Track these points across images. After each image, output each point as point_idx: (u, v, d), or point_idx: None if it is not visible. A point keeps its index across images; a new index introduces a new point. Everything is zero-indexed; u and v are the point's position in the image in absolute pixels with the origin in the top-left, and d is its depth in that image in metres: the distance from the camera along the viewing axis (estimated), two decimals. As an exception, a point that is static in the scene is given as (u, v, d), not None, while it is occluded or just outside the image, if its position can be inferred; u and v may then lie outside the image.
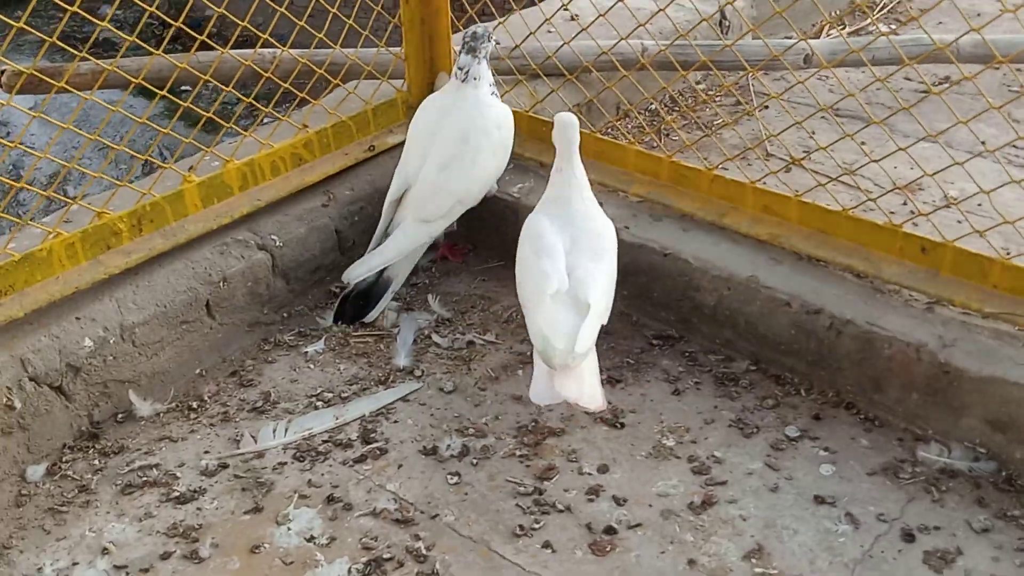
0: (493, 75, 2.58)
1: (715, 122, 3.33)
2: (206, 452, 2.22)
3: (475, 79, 2.52)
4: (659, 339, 2.51)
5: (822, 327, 2.27)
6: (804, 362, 2.32)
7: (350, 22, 2.73)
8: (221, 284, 2.46)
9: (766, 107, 3.31)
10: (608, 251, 2.24)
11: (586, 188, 2.28)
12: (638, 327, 2.56)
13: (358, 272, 2.52)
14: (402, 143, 2.71)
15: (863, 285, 2.32)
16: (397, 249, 2.52)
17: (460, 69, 2.52)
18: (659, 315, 2.54)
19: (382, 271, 2.55)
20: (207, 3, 2.42)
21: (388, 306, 2.60)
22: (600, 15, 2.67)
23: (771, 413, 2.26)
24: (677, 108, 3.46)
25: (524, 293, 2.23)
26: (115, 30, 2.37)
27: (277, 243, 2.57)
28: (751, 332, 2.38)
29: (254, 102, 2.63)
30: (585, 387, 2.09)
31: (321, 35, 2.70)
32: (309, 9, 2.60)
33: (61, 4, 2.18)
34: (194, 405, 2.34)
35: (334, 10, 2.65)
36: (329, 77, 2.85)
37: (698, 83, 3.61)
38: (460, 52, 2.53)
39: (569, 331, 2.08)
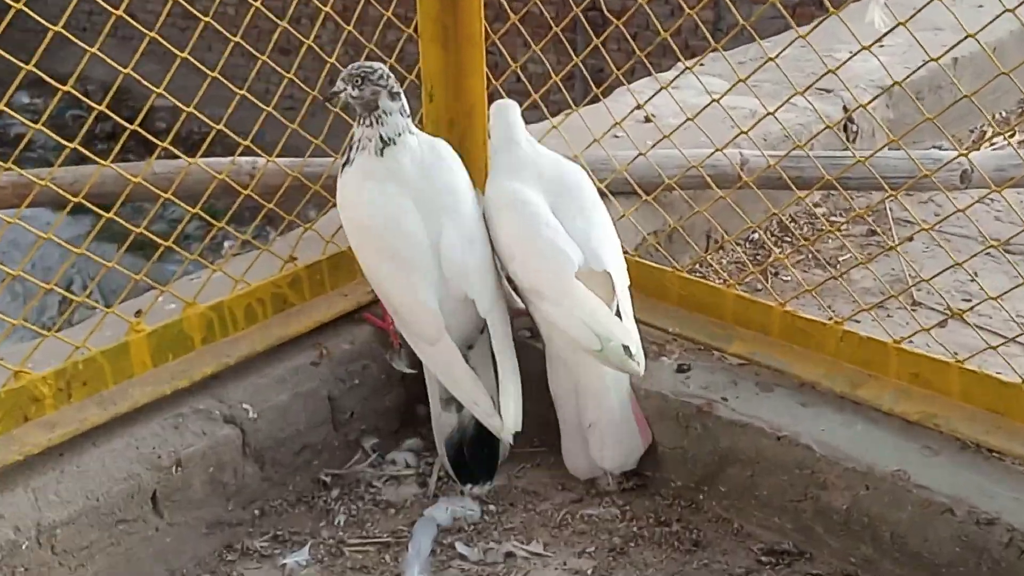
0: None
1: (841, 259, 3.35)
2: None
3: (410, 126, 2.59)
4: (771, 555, 2.47)
5: (997, 543, 2.22)
6: (974, 591, 2.26)
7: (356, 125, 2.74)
8: (173, 470, 2.47)
9: (910, 239, 3.32)
10: (597, 201, 2.55)
11: (536, 143, 2.62)
12: (741, 538, 2.53)
13: (516, 416, 2.56)
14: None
15: (1053, 487, 2.28)
16: (513, 359, 2.58)
17: (399, 118, 2.57)
18: (770, 521, 2.52)
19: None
20: (170, 98, 2.51)
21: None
22: (688, 118, 2.73)
23: (930, 662, 2.21)
24: (790, 239, 3.49)
25: (536, 279, 2.47)
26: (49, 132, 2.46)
27: (250, 414, 2.60)
28: (899, 548, 2.34)
29: (227, 227, 2.68)
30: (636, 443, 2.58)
31: (318, 140, 2.77)
32: (305, 108, 2.68)
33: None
34: (129, 637, 2.32)
35: (336, 109, 2.71)
36: (326, 194, 2.88)
37: (817, 206, 3.65)
38: (366, 105, 2.55)
39: (617, 320, 2.40)
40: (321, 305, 2.81)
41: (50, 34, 2.23)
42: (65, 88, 2.31)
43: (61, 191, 2.61)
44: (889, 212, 3.57)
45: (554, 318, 2.48)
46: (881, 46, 2.50)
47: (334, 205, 2.81)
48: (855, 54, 2.53)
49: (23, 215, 2.44)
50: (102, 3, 2.37)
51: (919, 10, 2.34)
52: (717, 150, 2.84)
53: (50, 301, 6.06)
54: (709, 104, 2.73)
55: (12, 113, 2.27)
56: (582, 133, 2.99)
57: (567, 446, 2.67)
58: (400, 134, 2.55)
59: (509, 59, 2.90)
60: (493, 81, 2.91)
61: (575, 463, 2.67)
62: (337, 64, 2.75)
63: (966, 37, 2.30)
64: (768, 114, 2.68)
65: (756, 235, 3.46)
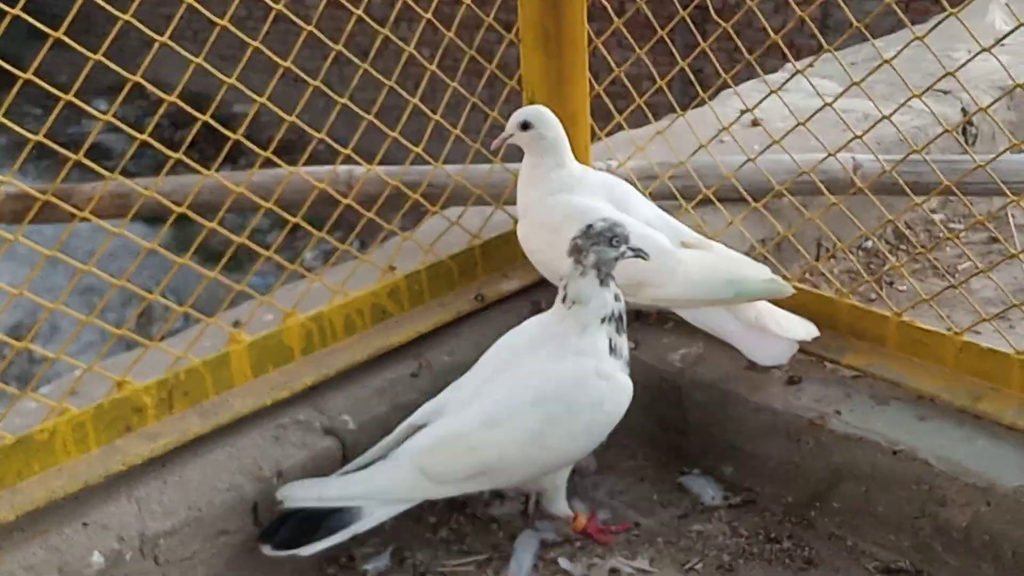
0: (617, 308, 2.43)
1: (960, 267, 3.36)
2: None
3: (577, 305, 2.41)
4: (887, 574, 2.49)
5: None
6: (1104, 613, 2.26)
7: (456, 132, 2.85)
8: (275, 481, 2.52)
9: (1033, 246, 3.31)
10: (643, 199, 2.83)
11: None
12: (855, 556, 2.55)
13: (299, 496, 2.45)
14: (521, 291, 2.89)
15: None
16: (369, 492, 2.45)
17: (562, 284, 2.44)
18: (886, 539, 2.53)
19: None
20: (272, 108, 2.56)
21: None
22: (799, 122, 2.79)
23: None
24: (905, 247, 3.51)
25: (637, 271, 2.53)
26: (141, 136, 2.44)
27: (350, 425, 2.67)
28: (1022, 567, 2.34)
29: (327, 236, 2.75)
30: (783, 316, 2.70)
31: (419, 149, 2.82)
32: (405, 115, 2.73)
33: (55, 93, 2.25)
34: (232, 649, 2.37)
35: (436, 116, 2.79)
36: (425, 203, 2.94)
37: (934, 212, 3.66)
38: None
39: (739, 259, 2.76)
40: (420, 315, 2.87)
41: (156, 46, 2.33)
42: (170, 99, 2.36)
43: (164, 200, 2.62)
44: (1011, 218, 3.56)
45: (665, 296, 2.70)
46: (1002, 46, 2.50)
47: (436, 214, 2.85)
48: (975, 56, 2.53)
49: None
50: (209, 15, 2.46)
51: (1041, 9, 2.35)
52: (829, 155, 2.87)
53: (129, 314, 5.96)
54: (822, 108, 2.77)
55: (99, 115, 2.33)
56: (687, 138, 3.03)
57: (745, 345, 2.75)
58: (565, 297, 2.47)
59: (612, 63, 2.95)
60: (595, 86, 2.96)
61: (762, 352, 2.74)
62: (437, 71, 2.80)
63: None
64: (883, 117, 2.72)
65: (870, 243, 3.47)
